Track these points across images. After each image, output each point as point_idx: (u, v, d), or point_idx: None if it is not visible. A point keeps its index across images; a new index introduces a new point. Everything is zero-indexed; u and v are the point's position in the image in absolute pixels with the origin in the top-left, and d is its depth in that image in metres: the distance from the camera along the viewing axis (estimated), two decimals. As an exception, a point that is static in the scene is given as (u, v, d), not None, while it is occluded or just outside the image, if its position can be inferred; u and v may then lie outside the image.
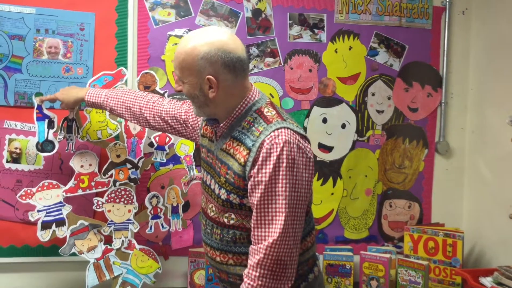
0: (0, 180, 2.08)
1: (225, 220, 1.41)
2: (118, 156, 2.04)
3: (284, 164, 1.28)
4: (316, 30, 2.37)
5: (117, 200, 2.03)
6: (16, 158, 2.09)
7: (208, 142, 1.52)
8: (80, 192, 2.00)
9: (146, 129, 2.07)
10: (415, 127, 2.49)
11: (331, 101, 2.39)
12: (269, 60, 2.33)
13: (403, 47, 2.46)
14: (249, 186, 1.32)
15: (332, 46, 2.39)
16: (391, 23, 2.45)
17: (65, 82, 2.13)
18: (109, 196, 2.02)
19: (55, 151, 1.98)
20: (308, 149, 1.35)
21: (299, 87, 2.36)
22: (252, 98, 1.41)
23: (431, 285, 2.23)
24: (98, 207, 2.02)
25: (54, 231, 1.97)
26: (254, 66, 2.31)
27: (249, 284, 1.30)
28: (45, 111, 1.98)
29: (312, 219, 1.49)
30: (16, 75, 2.09)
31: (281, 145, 1.28)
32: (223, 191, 1.40)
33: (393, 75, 2.46)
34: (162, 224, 2.12)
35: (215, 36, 1.36)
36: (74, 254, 1.99)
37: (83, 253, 2.00)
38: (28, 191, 1.94)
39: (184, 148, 2.16)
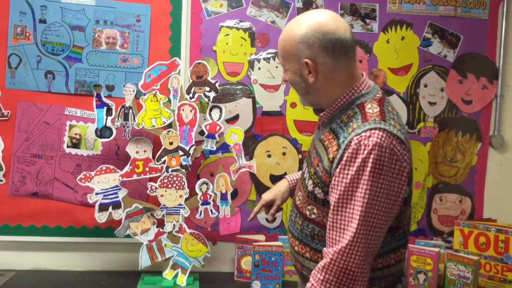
0: (61, 164, 2.20)
1: (308, 212, 1.34)
2: (171, 143, 2.11)
3: (369, 169, 1.16)
4: (367, 20, 2.35)
5: (169, 186, 2.11)
6: (76, 143, 2.20)
7: (315, 131, 1.47)
8: (135, 176, 2.09)
9: (198, 117, 2.12)
10: (469, 120, 2.42)
11: (381, 92, 2.37)
12: (319, 50, 2.32)
13: (458, 37, 2.39)
14: (330, 185, 1.25)
15: (384, 37, 2.36)
16: (445, 13, 2.39)
17: (122, 72, 2.22)
18: (162, 181, 2.10)
19: (112, 137, 2.08)
20: (405, 157, 1.20)
21: (349, 78, 2.35)
22: (358, 90, 1.30)
23: (481, 281, 2.18)
24: (151, 191, 2.10)
25: (110, 213, 2.07)
26: (304, 57, 2.32)
27: (312, 285, 1.23)
28: (104, 99, 2.07)
29: (405, 237, 1.35)
30: (76, 65, 2.20)
31: (370, 147, 1.17)
32: (310, 182, 1.33)
33: (447, 66, 2.40)
34: (211, 210, 2.17)
35: (313, 18, 1.28)
36: (128, 236, 2.09)
37: (137, 235, 2.09)
38: (87, 174, 2.05)
39: (234, 136, 2.20)
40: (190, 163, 2.13)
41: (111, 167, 2.08)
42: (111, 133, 2.07)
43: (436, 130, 2.40)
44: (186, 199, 2.13)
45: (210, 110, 2.17)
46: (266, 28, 2.30)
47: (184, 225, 2.13)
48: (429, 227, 2.43)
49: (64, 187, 2.20)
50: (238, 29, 2.29)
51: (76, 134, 2.20)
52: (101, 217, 2.06)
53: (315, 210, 1.33)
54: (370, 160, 1.17)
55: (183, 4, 2.25)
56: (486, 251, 2.21)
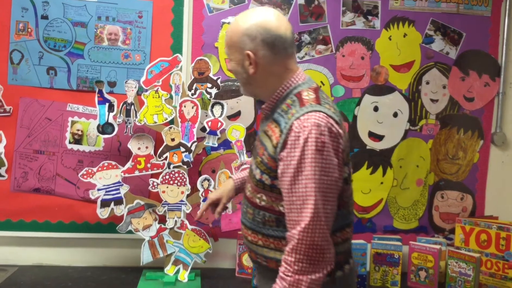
0: (63, 160, 2.21)
1: (257, 200, 1.41)
2: (173, 139, 2.12)
3: (314, 147, 1.25)
4: (369, 17, 2.34)
5: (171, 182, 2.11)
6: (78, 139, 2.21)
7: (260, 125, 1.54)
8: (137, 173, 2.09)
9: (199, 114, 2.13)
10: (471, 117, 2.42)
11: (383, 89, 2.37)
12: (320, 47, 2.33)
13: (460, 34, 2.39)
14: (279, 170, 1.32)
15: (386, 33, 2.35)
16: (448, 9, 2.38)
17: (124, 68, 2.22)
18: (164, 177, 2.10)
19: (114, 133, 2.08)
20: (341, 136, 1.31)
21: (350, 74, 2.35)
22: (295, 81, 1.41)
23: (482, 278, 2.18)
24: (153, 187, 2.10)
25: (112, 209, 2.07)
26: (306, 54, 2.32)
27: (286, 268, 1.28)
28: (106, 96, 2.08)
29: (349, 216, 1.42)
30: (78, 61, 2.20)
31: (309, 127, 1.26)
32: (258, 171, 1.40)
33: (449, 63, 2.39)
34: (213, 207, 2.17)
35: (259, 15, 1.39)
36: (130, 232, 2.10)
37: (138, 231, 2.09)
38: (89, 170, 2.05)
39: (235, 133, 2.20)
40: (192, 159, 2.13)
41: (113, 163, 2.08)
42: (113, 129, 2.08)
43: (438, 127, 2.40)
44: (188, 196, 2.14)
45: (212, 107, 2.17)
46: (268, 24, 2.29)
47: (186, 221, 2.14)
48: (430, 224, 2.43)
49: (66, 183, 2.21)
50: (240, 25, 2.29)
51: (78, 130, 2.20)
52: (103, 213, 2.07)
53: (264, 197, 1.39)
54: (312, 139, 1.26)
55: (185, 1, 2.25)
56: (487, 248, 2.21)
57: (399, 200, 2.41)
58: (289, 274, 1.26)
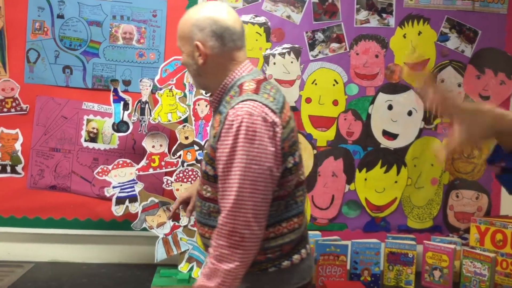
0: (79, 158, 2.23)
1: (204, 192, 1.42)
2: (187, 137, 2.13)
3: (243, 136, 1.27)
4: (384, 15, 2.33)
5: (185, 180, 2.12)
6: (93, 137, 2.23)
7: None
8: (151, 171, 2.11)
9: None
10: (486, 115, 2.39)
11: (397, 87, 2.35)
12: (334, 45, 2.32)
13: (476, 32, 2.36)
14: (216, 159, 1.34)
15: (401, 31, 2.34)
16: (463, 7, 2.36)
17: (138, 67, 2.24)
18: (178, 175, 2.12)
19: (129, 131, 2.10)
20: (277, 124, 1.31)
21: (364, 73, 2.34)
22: (239, 73, 1.42)
23: (497, 278, 2.16)
24: (167, 185, 2.12)
25: (127, 206, 2.09)
26: (319, 52, 2.31)
27: (210, 252, 1.31)
28: (121, 94, 2.10)
29: (297, 207, 1.42)
30: (94, 60, 2.22)
31: (241, 116, 1.28)
32: (203, 163, 1.43)
33: (465, 61, 2.37)
34: (226, 205, 2.18)
35: (209, 7, 1.43)
36: (144, 229, 2.11)
37: (153, 228, 2.11)
38: (105, 168, 2.07)
39: (249, 131, 2.20)
40: (206, 157, 2.14)
41: (128, 161, 2.10)
42: (128, 128, 2.10)
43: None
44: (201, 194, 2.15)
45: (226, 105, 2.18)
46: (282, 23, 2.30)
47: (199, 219, 2.14)
48: (445, 223, 2.41)
49: (82, 180, 2.23)
50: (253, 24, 2.29)
51: (93, 128, 2.23)
52: (118, 210, 2.09)
53: (209, 188, 1.40)
54: (243, 127, 1.27)
55: (199, -1, 2.26)
56: (503, 248, 2.18)
57: (414, 199, 2.39)
58: (212, 260, 1.29)
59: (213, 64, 1.42)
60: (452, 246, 2.16)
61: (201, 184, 1.44)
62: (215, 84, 1.45)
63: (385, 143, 2.36)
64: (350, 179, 2.35)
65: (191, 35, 1.41)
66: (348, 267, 2.17)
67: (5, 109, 2.18)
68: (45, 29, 2.19)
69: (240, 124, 1.28)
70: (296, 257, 1.42)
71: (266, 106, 1.31)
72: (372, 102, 2.35)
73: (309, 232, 2.24)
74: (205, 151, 1.43)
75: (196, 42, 1.40)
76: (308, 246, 1.50)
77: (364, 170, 2.35)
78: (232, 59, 1.43)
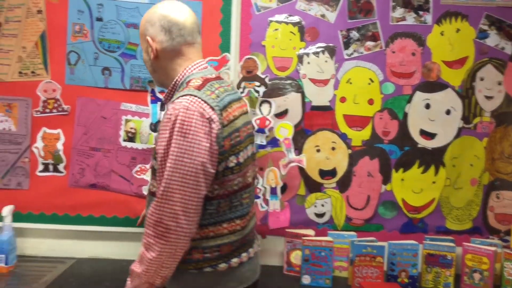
0: (118, 157, 2.28)
1: (151, 187, 1.45)
2: (222, 137, 2.15)
3: (177, 129, 1.29)
4: (420, 12, 2.29)
5: (220, 179, 2.14)
6: (131, 137, 2.28)
7: None
8: (187, 170, 2.13)
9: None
10: (529, 114, 2.32)
11: (435, 86, 2.31)
12: (369, 43, 2.29)
13: (517, 28, 2.30)
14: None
15: (438, 29, 2.29)
16: (503, 3, 2.29)
17: (174, 67, 2.27)
18: (213, 175, 2.14)
19: (166, 131, 2.14)
20: (215, 120, 1.33)
21: (401, 71, 2.30)
22: (190, 71, 1.45)
23: (541, 282, 2.09)
24: (203, 184, 2.14)
25: (164, 205, 2.13)
26: (354, 50, 2.29)
27: (142, 239, 1.36)
28: (158, 95, 2.14)
29: (241, 208, 1.43)
30: (131, 61, 2.26)
31: (178, 110, 1.31)
32: (151, 157, 1.48)
33: (505, 59, 2.30)
34: (261, 204, 2.20)
35: (163, 5, 1.50)
36: (181, 228, 2.14)
37: (189, 227, 2.14)
38: (143, 167, 2.12)
39: (283, 131, 2.21)
40: (241, 157, 2.16)
41: (165, 160, 2.14)
42: (165, 127, 2.13)
43: (493, 125, 2.32)
44: (236, 193, 2.16)
45: (260, 105, 2.19)
46: (316, 22, 2.29)
47: (235, 218, 2.16)
48: (485, 225, 2.34)
49: (121, 179, 2.28)
50: (287, 23, 2.29)
51: (131, 128, 2.28)
52: (155, 209, 2.12)
53: (154, 183, 1.43)
54: (178, 121, 1.30)
55: (233, 0, 2.28)
56: (547, 251, 2.11)
57: (452, 200, 2.34)
58: (141, 247, 1.34)
59: (164, 59, 1.47)
60: (493, 248, 2.11)
61: (150, 180, 1.48)
62: (169, 81, 1.50)
63: (422, 142, 2.32)
64: (386, 179, 2.32)
65: (144, 31, 1.49)
66: (385, 268, 2.14)
67: (47, 110, 2.26)
68: (85, 31, 2.25)
69: (176, 118, 1.31)
70: (235, 260, 1.42)
71: (205, 102, 1.33)
72: (409, 101, 2.31)
73: (344, 232, 2.26)
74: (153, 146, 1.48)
75: (147, 37, 1.47)
76: (251, 250, 1.49)
77: (401, 170, 2.32)
78: (181, 55, 1.47)
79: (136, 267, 1.37)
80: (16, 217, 2.23)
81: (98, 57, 2.26)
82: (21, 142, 2.28)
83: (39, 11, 2.24)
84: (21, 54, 2.25)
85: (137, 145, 2.27)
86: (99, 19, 2.25)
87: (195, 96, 1.34)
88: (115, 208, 2.28)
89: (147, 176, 2.10)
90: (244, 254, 1.46)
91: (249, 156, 1.48)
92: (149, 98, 2.13)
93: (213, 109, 1.34)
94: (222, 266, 1.40)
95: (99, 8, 2.25)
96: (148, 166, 2.11)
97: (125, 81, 2.27)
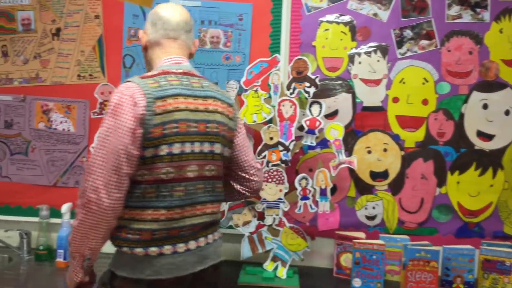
0: (169, 157, 2.34)
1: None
2: (271, 138, 2.15)
3: (109, 111, 1.39)
4: (478, 9, 2.21)
5: (270, 180, 2.15)
6: (182, 137, 2.32)
7: None
8: (237, 170, 2.15)
9: (298, 113, 2.14)
10: None
11: (493, 85, 2.21)
12: (424, 42, 2.23)
13: None
14: None
15: (497, 26, 2.20)
16: None
17: (224, 70, 2.30)
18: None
19: (217, 132, 2.16)
20: (140, 105, 1.38)
21: (457, 70, 2.23)
22: (162, 63, 1.55)
23: None
24: (253, 185, 2.16)
25: (214, 205, 2.16)
26: (408, 49, 2.24)
27: None
28: (209, 95, 2.16)
29: (173, 202, 1.44)
30: (183, 63, 2.31)
31: (114, 94, 1.41)
32: None
33: None
34: (310, 205, 2.18)
35: (161, 5, 1.63)
36: (231, 227, 2.17)
37: (239, 227, 2.16)
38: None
39: (334, 132, 2.19)
40: (290, 158, 2.15)
41: (215, 160, 2.17)
42: (216, 128, 2.16)
43: (557, 126, 2.20)
44: (286, 194, 2.16)
45: (310, 106, 2.18)
46: (368, 21, 2.25)
47: (284, 219, 2.16)
48: (547, 231, 2.23)
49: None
50: (338, 23, 2.27)
51: (182, 129, 2.32)
52: (205, 208, 2.16)
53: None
54: (111, 102, 1.40)
55: (283, 1, 2.28)
56: None
57: (511, 204, 2.24)
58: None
59: (150, 50, 1.61)
60: (556, 255, 2.00)
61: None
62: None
63: (480, 144, 2.23)
64: (441, 182, 2.25)
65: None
66: (440, 273, 2.07)
67: (104, 112, 2.35)
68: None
69: (111, 99, 1.41)
70: (153, 249, 1.43)
71: (142, 89, 1.40)
72: (466, 101, 2.23)
73: (397, 236, 2.21)
74: None
75: (140, 30, 1.65)
76: (181, 245, 1.48)
77: (457, 172, 2.24)
78: (161, 47, 1.58)
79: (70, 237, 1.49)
80: (75, 214, 2.31)
81: (152, 59, 2.32)
82: (79, 142, 2.38)
83: (97, 16, 2.33)
84: (79, 58, 2.35)
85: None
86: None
87: (134, 82, 1.43)
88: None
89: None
90: (167, 247, 1.46)
91: (198, 152, 1.49)
92: (200, 100, 2.16)
93: (144, 95, 1.40)
94: (138, 250, 1.43)
95: (152, 12, 2.31)
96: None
97: (177, 83, 2.32)
